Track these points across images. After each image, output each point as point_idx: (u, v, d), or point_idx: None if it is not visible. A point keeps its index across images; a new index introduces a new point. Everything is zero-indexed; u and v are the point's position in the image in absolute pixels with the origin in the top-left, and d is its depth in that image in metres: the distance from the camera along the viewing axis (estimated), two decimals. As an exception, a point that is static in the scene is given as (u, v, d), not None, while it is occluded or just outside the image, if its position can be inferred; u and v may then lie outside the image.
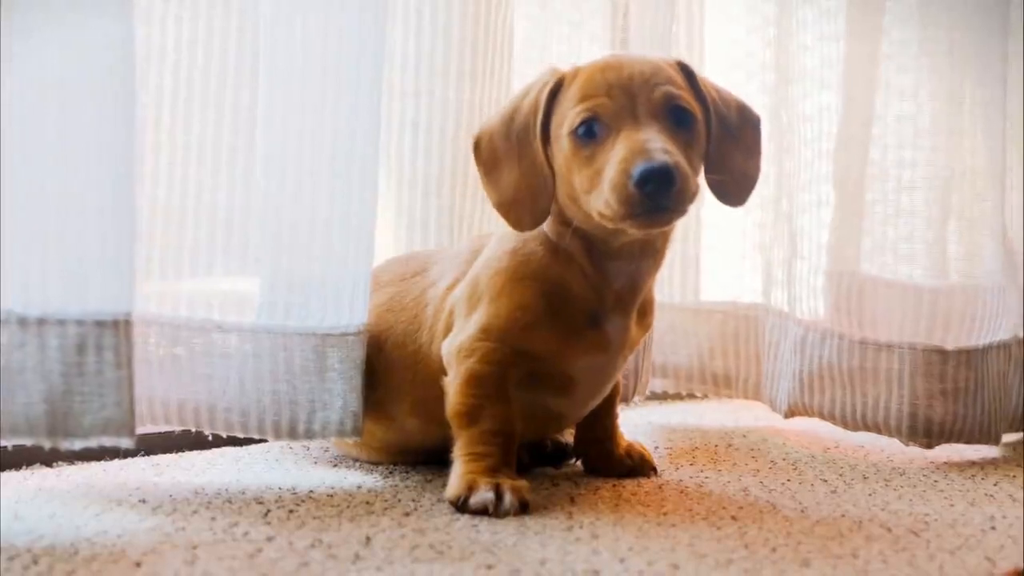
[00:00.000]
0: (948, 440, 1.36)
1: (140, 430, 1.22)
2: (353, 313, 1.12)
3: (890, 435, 1.37)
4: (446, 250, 1.23)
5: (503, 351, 1.06)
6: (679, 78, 1.05)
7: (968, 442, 1.36)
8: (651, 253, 1.09)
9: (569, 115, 1.02)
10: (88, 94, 0.95)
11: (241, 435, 1.12)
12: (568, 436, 1.26)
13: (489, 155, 1.08)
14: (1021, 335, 1.44)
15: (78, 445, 0.95)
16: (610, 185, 0.97)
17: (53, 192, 0.95)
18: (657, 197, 0.96)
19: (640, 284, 1.09)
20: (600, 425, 1.20)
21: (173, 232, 1.12)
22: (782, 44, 1.47)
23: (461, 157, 1.35)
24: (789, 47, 1.46)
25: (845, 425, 1.39)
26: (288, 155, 1.10)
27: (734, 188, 1.09)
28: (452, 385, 1.07)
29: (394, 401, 1.15)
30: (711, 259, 1.62)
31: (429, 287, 1.16)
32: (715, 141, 1.07)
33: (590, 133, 1.01)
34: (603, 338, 1.08)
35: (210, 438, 1.18)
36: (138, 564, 0.84)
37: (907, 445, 1.37)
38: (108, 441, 0.96)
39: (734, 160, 1.09)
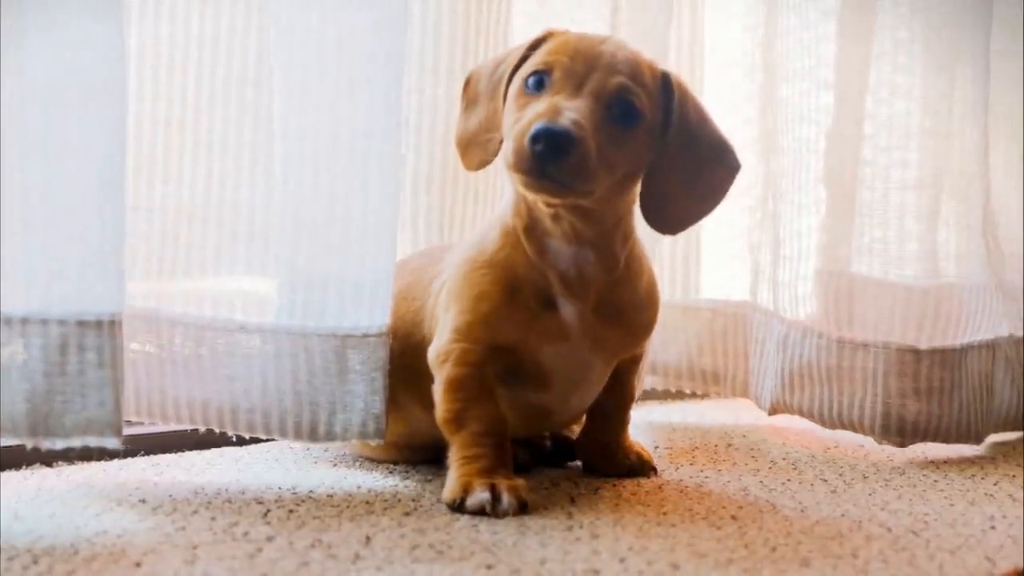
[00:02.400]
0: (923, 439, 1.36)
1: (144, 430, 1.23)
2: (374, 313, 1.11)
3: (864, 433, 1.37)
4: (458, 243, 1.23)
5: (476, 350, 1.06)
6: (650, 82, 1.04)
7: (945, 441, 1.36)
8: (589, 243, 1.07)
9: (529, 63, 1.04)
10: (74, 93, 0.95)
11: (263, 436, 1.13)
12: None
13: (473, 92, 1.12)
14: (1018, 335, 1.44)
15: (60, 445, 0.95)
16: (513, 134, 0.99)
17: (39, 192, 0.94)
18: (544, 161, 0.96)
19: (586, 275, 1.07)
20: (606, 426, 1.20)
21: (196, 231, 1.12)
22: (771, 43, 1.47)
23: (451, 155, 1.34)
24: (778, 46, 1.46)
25: (823, 423, 1.40)
26: (306, 152, 1.10)
27: (673, 217, 1.09)
28: (437, 392, 1.08)
29: (403, 388, 1.15)
30: (706, 258, 1.61)
31: (435, 279, 1.16)
32: (668, 162, 1.06)
33: (539, 85, 1.02)
34: (560, 323, 1.07)
35: (233, 438, 1.18)
36: (138, 564, 0.84)
37: (880, 444, 1.37)
38: (92, 441, 0.96)
39: (686, 192, 1.08)
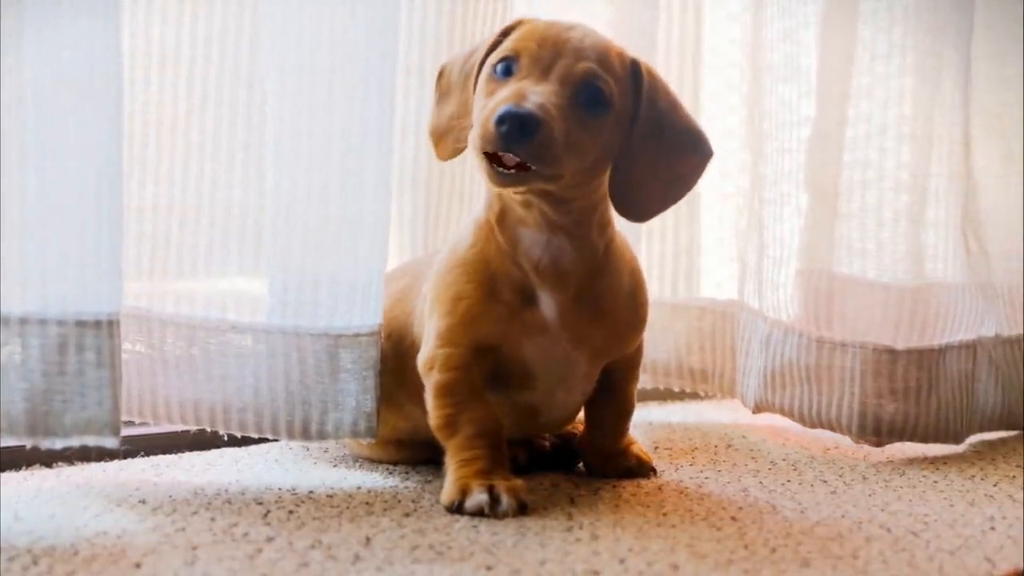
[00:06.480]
0: (900, 439, 1.36)
1: (144, 431, 1.23)
2: (366, 313, 1.12)
3: (842, 433, 1.37)
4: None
5: (461, 353, 1.06)
6: (618, 68, 1.05)
7: (923, 441, 1.37)
8: (563, 230, 1.06)
9: (498, 51, 1.05)
10: (72, 93, 0.95)
11: (256, 435, 1.13)
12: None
13: (445, 84, 1.12)
14: (1004, 335, 1.44)
15: (59, 444, 0.95)
16: (480, 119, 0.99)
17: (37, 192, 0.94)
18: (509, 141, 0.96)
19: (562, 264, 1.07)
20: (606, 435, 1.19)
21: (188, 231, 1.13)
22: (765, 45, 1.47)
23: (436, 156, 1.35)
24: (773, 49, 1.45)
25: (803, 422, 1.40)
26: (299, 153, 1.10)
27: (641, 204, 1.09)
28: (428, 399, 1.08)
29: (398, 387, 1.15)
30: (700, 257, 1.61)
31: (425, 281, 1.16)
32: (637, 149, 1.05)
33: (507, 71, 1.03)
34: (538, 316, 1.07)
35: (225, 437, 1.18)
36: (138, 564, 0.84)
37: (857, 443, 1.38)
38: (91, 441, 0.96)
39: (655, 179, 1.07)
